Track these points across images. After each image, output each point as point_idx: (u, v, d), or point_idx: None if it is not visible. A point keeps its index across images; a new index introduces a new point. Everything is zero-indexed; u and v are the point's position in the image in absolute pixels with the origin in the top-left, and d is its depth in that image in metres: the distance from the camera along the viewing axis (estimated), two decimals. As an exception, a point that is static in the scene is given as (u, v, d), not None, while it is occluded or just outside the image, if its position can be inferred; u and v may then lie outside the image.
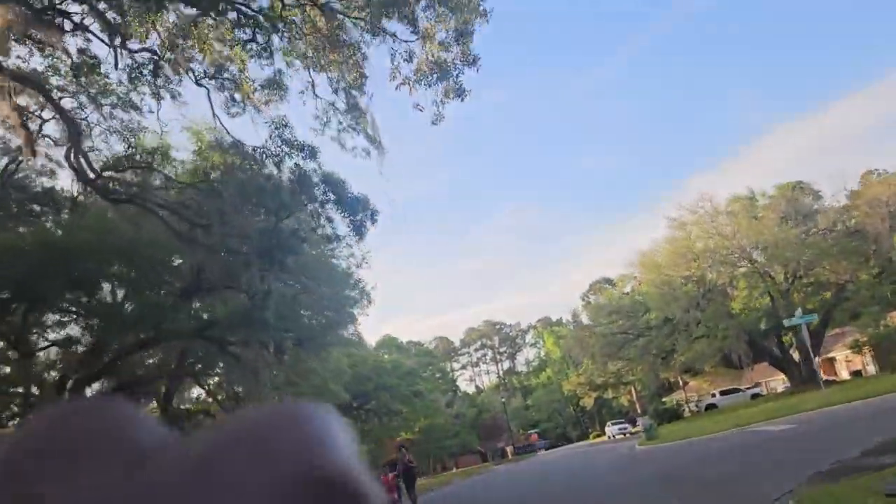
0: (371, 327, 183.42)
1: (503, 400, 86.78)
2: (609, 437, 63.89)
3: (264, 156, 14.89)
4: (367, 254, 28.71)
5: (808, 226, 46.91)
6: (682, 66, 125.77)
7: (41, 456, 0.32)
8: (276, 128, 14.79)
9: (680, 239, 47.55)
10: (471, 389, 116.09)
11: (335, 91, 16.88)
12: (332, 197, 15.86)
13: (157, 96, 17.35)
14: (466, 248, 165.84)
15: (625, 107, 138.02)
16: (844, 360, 59.84)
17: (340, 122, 17.13)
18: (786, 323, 27.97)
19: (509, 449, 76.92)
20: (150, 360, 30.26)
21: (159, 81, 17.07)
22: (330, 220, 16.60)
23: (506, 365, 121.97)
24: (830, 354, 59.40)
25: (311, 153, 15.16)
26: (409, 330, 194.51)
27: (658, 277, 47.32)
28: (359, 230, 16.53)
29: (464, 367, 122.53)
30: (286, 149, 14.86)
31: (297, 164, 15.08)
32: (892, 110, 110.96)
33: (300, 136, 16.90)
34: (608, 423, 67.97)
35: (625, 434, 60.77)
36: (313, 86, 17.18)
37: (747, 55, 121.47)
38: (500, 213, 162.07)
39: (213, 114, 15.71)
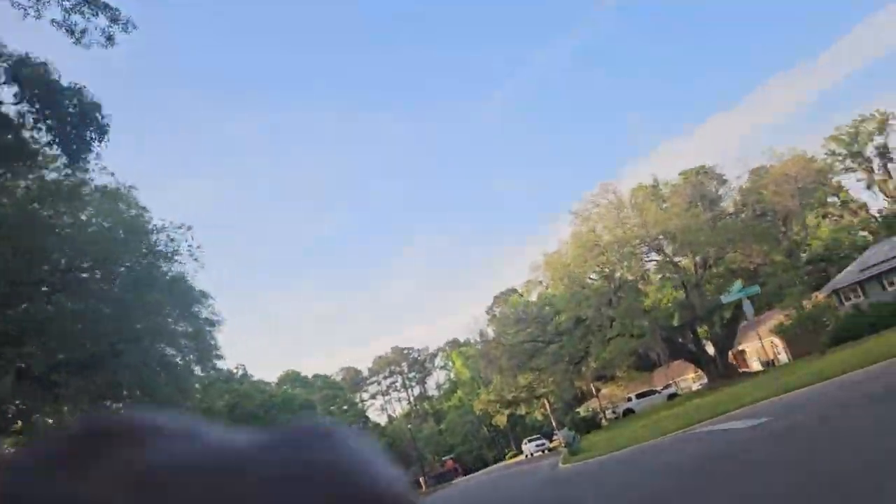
0: (279, 364, 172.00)
1: (409, 427, 79.20)
2: (526, 456, 57.49)
3: None
4: (196, 248, 21.39)
5: (716, 211, 42.59)
6: (577, 86, 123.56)
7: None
8: None
9: (586, 233, 42.14)
10: (383, 419, 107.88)
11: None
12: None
13: None
14: (378, 280, 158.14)
15: (524, 128, 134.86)
16: (755, 351, 56.13)
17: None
18: (723, 299, 22.66)
19: (422, 479, 69.10)
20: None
21: None
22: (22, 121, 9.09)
23: (416, 391, 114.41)
24: (741, 347, 55.56)
25: None
26: (321, 366, 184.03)
27: (566, 276, 41.65)
28: (74, 148, 9.22)
29: (373, 397, 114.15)
30: None
31: None
32: (766, 121, 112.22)
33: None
34: (524, 441, 61.58)
35: (542, 451, 54.50)
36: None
37: (640, 75, 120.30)
38: (410, 243, 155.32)
39: None
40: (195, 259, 22.92)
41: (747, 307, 21.46)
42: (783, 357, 50.44)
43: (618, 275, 41.79)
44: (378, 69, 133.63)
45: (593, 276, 42.24)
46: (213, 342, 34.00)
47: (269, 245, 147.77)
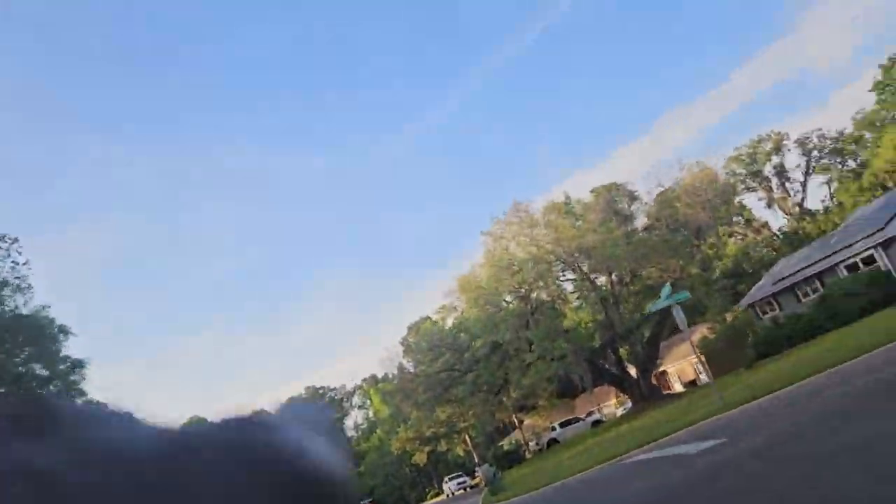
0: (186, 413, 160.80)
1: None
2: (447, 495, 53.69)
3: None
4: (21, 265, 17.25)
5: (630, 226, 40.95)
6: (487, 117, 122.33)
7: None
8: None
9: (499, 252, 39.47)
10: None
11: None
12: None
13: None
14: (290, 318, 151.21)
15: (434, 163, 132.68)
16: (677, 371, 54.78)
17: None
18: (651, 308, 20.14)
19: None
20: None
21: None
22: None
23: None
24: (662, 368, 54.00)
25: None
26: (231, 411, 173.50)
27: (481, 297, 38.69)
28: None
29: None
30: None
31: None
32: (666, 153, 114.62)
33: None
34: (445, 479, 57.76)
35: (464, 489, 50.93)
36: None
37: (544, 112, 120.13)
38: (322, 279, 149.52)
39: None
40: (18, 278, 18.59)
41: (678, 313, 18.90)
42: (704, 377, 49.13)
43: (534, 295, 39.24)
44: (291, 103, 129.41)
45: (509, 297, 39.56)
46: (80, 387, 29.10)
47: (167, 288, 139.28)
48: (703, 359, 21.73)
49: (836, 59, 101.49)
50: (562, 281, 41.24)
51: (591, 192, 44.27)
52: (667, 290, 19.27)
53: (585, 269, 39.28)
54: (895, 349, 16.48)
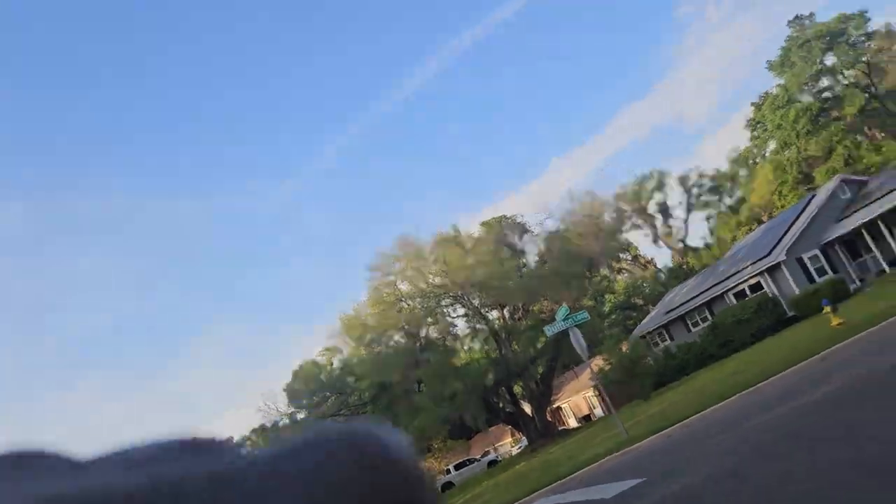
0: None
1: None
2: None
3: None
4: None
5: (521, 260, 39.14)
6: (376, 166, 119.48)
7: None
8: None
9: (385, 284, 36.49)
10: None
11: None
12: None
13: None
14: (173, 374, 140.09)
15: (320, 213, 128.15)
16: (571, 407, 53.18)
17: None
18: (547, 331, 17.89)
19: None
20: None
21: None
22: None
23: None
24: (557, 404, 52.23)
25: None
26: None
27: (366, 336, 35.38)
28: None
29: None
30: None
31: None
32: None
33: None
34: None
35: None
36: None
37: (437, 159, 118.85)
38: (200, 332, 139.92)
39: None
40: None
41: (576, 338, 16.61)
42: (599, 411, 47.68)
43: (423, 332, 36.38)
44: (167, 143, 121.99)
45: (396, 335, 36.50)
46: None
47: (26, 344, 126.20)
48: (602, 390, 19.46)
49: (712, 104, 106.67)
50: (452, 317, 38.68)
51: (482, 224, 42.34)
52: (563, 311, 17.03)
53: (476, 303, 36.89)
54: (794, 375, 14.86)
